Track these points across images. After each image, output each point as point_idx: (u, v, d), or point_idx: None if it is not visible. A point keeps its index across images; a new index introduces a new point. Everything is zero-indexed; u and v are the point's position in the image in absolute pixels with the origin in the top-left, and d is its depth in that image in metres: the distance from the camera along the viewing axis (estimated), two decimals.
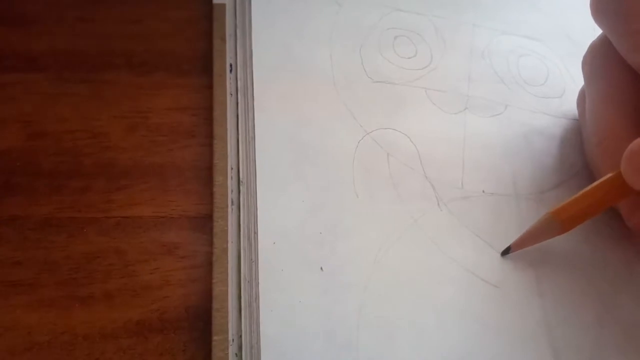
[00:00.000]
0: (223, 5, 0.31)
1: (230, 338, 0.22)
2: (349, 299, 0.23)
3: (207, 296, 0.23)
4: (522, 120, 0.30)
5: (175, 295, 0.24)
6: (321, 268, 0.24)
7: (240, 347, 0.22)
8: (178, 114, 0.28)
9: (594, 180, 0.24)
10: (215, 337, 0.22)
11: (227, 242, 0.24)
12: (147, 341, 0.23)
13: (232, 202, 0.26)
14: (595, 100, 0.25)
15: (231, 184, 0.26)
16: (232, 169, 0.26)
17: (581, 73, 0.28)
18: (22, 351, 0.22)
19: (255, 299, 0.23)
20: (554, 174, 0.28)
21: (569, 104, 0.31)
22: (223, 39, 0.30)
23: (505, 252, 0.25)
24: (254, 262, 0.23)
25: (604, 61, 0.26)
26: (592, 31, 0.27)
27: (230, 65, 0.29)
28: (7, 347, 0.22)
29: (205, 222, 0.26)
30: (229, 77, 0.29)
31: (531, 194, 0.27)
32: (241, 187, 0.26)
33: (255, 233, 0.24)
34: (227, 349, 0.22)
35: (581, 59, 0.28)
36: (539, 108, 0.30)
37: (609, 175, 0.23)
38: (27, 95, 0.28)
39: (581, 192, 0.23)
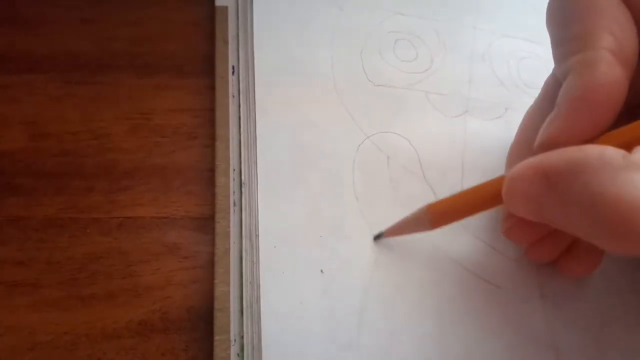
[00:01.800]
0: (225, 8, 0.31)
1: (232, 338, 0.22)
2: (349, 300, 0.23)
3: (209, 296, 0.24)
4: None
5: (177, 296, 0.24)
6: (321, 270, 0.24)
7: (242, 348, 0.22)
8: (180, 115, 0.29)
9: None
10: (217, 338, 0.22)
11: (229, 243, 0.25)
12: (149, 341, 0.23)
13: (234, 203, 0.26)
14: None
15: (233, 185, 0.26)
16: (234, 170, 0.27)
17: None
18: (24, 351, 0.22)
19: (256, 300, 0.23)
20: None
21: None
22: (225, 41, 0.30)
23: (378, 238, 0.25)
24: (255, 263, 0.24)
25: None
26: None
27: (233, 67, 0.29)
28: (10, 347, 0.22)
29: (207, 223, 0.26)
30: (231, 79, 0.29)
31: None
32: (243, 189, 0.26)
33: (257, 236, 0.24)
34: (229, 349, 0.22)
35: None
36: None
37: (490, 180, 0.22)
38: (30, 97, 0.28)
39: (460, 192, 0.23)
